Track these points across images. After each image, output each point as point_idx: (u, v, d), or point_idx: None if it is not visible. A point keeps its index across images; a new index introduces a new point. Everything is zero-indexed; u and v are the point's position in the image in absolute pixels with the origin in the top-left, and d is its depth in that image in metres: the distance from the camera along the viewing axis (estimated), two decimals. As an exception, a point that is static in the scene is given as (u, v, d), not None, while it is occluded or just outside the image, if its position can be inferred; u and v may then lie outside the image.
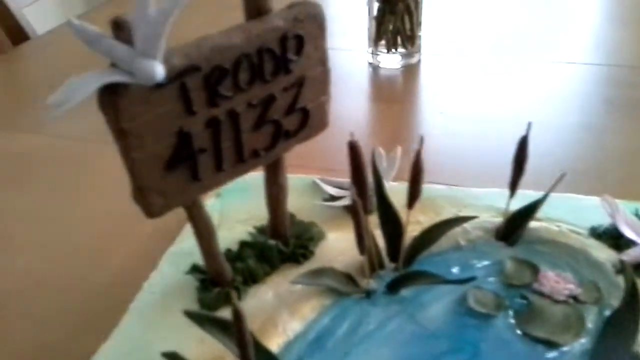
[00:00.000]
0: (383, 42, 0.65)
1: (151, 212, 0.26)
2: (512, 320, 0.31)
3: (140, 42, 0.22)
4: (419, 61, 0.67)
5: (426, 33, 0.68)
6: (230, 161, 0.28)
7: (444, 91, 0.62)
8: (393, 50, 0.65)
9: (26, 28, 0.78)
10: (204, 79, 0.25)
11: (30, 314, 0.37)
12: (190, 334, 0.31)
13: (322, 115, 0.30)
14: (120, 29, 0.23)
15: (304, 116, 0.29)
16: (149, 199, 0.26)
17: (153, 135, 0.24)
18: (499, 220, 0.35)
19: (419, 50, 0.67)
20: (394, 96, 0.61)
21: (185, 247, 0.36)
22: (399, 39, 0.65)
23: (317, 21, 0.27)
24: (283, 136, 0.29)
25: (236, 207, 0.39)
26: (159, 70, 0.22)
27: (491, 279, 0.33)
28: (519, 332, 0.30)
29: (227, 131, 0.27)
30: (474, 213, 0.36)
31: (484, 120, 0.56)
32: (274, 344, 0.29)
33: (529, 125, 0.31)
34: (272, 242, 0.34)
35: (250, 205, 0.39)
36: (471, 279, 0.31)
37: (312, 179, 0.41)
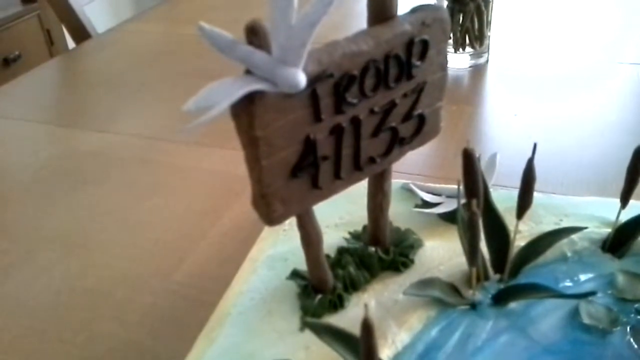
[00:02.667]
0: (451, 41, 0.63)
1: (271, 219, 0.26)
2: (630, 337, 0.29)
3: (279, 49, 0.22)
4: (486, 61, 0.66)
5: (494, 33, 0.66)
6: (347, 169, 0.27)
7: (513, 93, 0.61)
8: (461, 50, 0.64)
9: (87, 26, 0.79)
10: (334, 86, 0.24)
11: (114, 313, 0.37)
12: (295, 341, 0.30)
13: (436, 122, 0.29)
14: (255, 35, 0.22)
15: (419, 122, 0.28)
16: (271, 207, 0.25)
17: (282, 143, 0.24)
18: (605, 231, 0.34)
19: (487, 51, 0.66)
20: (464, 97, 0.60)
21: (280, 251, 0.36)
22: (467, 39, 0.64)
23: (442, 25, 0.26)
24: (398, 143, 0.28)
25: (326, 213, 0.38)
26: (302, 79, 0.22)
27: (601, 292, 0.32)
28: (638, 349, 0.29)
29: (349, 138, 0.26)
30: (576, 223, 0.34)
31: (560, 124, 0.55)
32: (383, 356, 0.29)
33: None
34: (371, 249, 0.33)
35: (340, 210, 0.38)
36: (590, 293, 0.30)
37: (400, 184, 0.40)
